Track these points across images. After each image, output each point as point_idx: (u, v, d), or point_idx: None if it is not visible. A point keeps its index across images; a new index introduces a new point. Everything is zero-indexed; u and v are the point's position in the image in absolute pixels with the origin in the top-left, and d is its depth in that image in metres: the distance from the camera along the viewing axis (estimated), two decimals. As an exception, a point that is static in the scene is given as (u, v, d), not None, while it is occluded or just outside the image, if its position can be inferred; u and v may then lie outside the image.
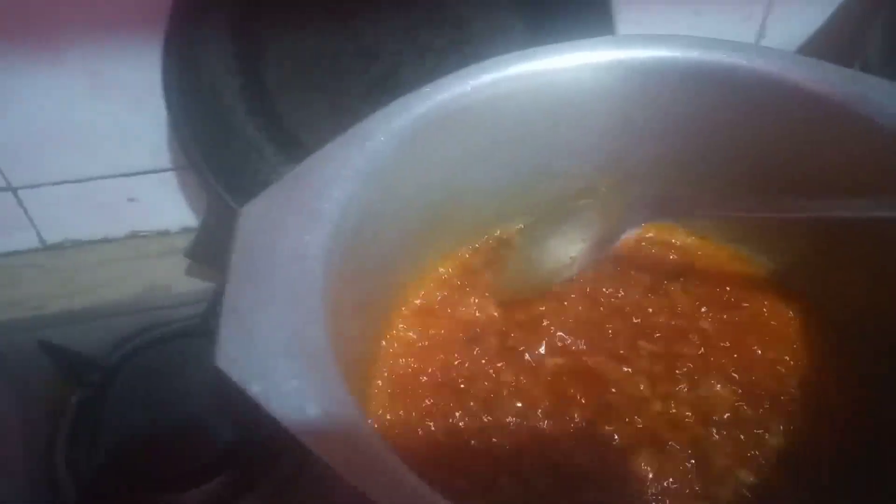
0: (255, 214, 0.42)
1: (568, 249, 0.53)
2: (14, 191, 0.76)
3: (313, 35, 0.69)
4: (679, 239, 0.60)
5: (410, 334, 0.55)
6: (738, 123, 0.52)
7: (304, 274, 0.40)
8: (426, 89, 0.51)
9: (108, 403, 0.64)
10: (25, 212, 0.78)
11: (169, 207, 0.82)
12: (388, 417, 0.50)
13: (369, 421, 0.35)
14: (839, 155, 0.48)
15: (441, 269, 0.58)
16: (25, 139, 0.72)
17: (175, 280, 0.79)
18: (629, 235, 0.51)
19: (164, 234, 0.84)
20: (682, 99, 0.53)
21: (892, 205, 0.41)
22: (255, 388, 0.34)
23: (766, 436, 0.48)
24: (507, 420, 0.49)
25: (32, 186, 0.76)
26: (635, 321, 0.54)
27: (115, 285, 0.79)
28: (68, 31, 0.66)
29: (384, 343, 0.54)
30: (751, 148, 0.52)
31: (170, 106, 0.65)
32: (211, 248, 0.72)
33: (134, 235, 0.84)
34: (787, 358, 0.52)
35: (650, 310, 0.56)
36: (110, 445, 0.62)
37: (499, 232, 0.60)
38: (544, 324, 0.54)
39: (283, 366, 0.35)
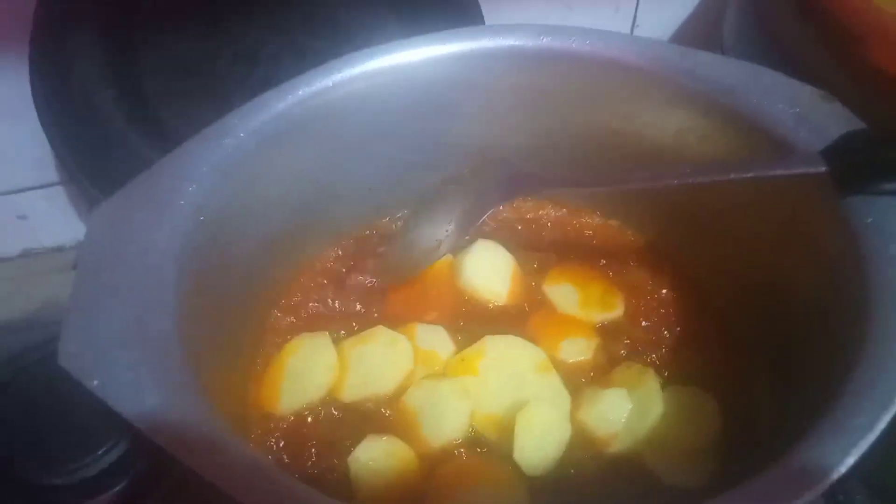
0: (106, 213, 0.43)
1: (436, 233, 0.55)
2: None
3: (190, 40, 0.69)
4: (553, 213, 0.63)
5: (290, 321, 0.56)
6: (585, 104, 0.54)
7: (151, 268, 0.40)
8: (286, 85, 0.52)
9: (-4, 419, 0.63)
10: None
11: (61, 223, 0.81)
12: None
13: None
14: (669, 126, 0.51)
15: (318, 265, 0.59)
16: None
17: (70, 295, 0.77)
18: (490, 214, 0.53)
19: (59, 250, 0.82)
20: (536, 84, 0.55)
21: (720, 169, 0.45)
22: (94, 383, 0.34)
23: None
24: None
25: (-88, 210, 0.74)
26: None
27: (8, 303, 0.77)
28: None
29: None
30: (597, 126, 0.55)
31: (41, 118, 0.65)
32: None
33: (27, 253, 0.82)
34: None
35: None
36: (-1, 461, 0.61)
37: (376, 224, 0.62)
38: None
39: (122, 358, 0.36)
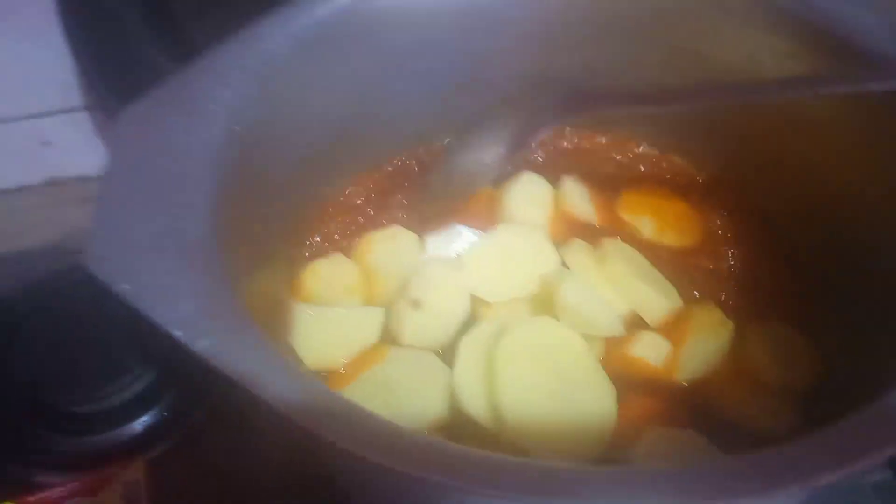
0: (135, 116, 0.40)
1: (482, 157, 0.51)
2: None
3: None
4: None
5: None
6: (650, 22, 0.50)
7: (184, 173, 0.37)
8: (327, -9, 0.48)
9: (19, 346, 0.61)
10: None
11: (86, 151, 0.78)
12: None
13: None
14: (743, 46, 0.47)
15: (356, 188, 0.56)
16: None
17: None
18: (543, 137, 0.49)
19: (84, 179, 0.80)
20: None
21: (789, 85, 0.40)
22: (123, 287, 0.32)
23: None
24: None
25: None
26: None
27: (33, 232, 0.75)
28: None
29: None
30: (662, 47, 0.51)
31: (68, 36, 0.62)
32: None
33: (52, 182, 0.80)
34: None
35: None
36: (25, 389, 0.59)
37: (417, 151, 0.58)
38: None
39: (155, 263, 0.33)
